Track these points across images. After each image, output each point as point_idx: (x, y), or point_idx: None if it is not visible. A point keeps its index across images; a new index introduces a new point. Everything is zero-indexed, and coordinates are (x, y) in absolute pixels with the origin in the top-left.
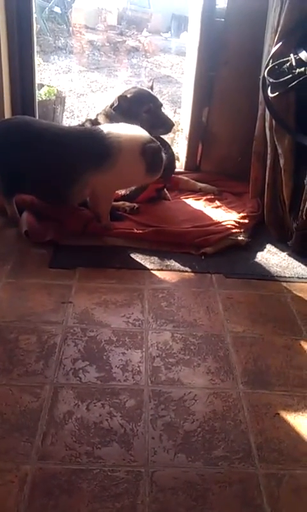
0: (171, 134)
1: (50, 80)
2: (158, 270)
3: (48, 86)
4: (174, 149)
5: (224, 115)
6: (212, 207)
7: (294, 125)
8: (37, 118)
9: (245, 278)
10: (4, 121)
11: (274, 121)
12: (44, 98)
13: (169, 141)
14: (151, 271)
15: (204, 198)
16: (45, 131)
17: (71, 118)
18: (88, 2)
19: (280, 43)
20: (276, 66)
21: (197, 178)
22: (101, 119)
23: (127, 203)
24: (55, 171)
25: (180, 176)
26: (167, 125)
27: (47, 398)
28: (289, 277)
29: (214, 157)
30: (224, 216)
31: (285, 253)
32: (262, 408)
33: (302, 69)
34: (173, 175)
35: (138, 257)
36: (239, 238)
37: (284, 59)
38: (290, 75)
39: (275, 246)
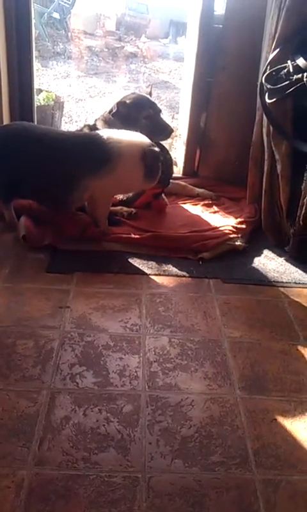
0: (169, 140)
1: (48, 86)
2: (155, 275)
3: (46, 91)
4: (172, 154)
5: (221, 120)
6: (210, 212)
7: (291, 131)
8: (36, 123)
9: (242, 283)
10: (3, 127)
11: (271, 127)
12: (43, 104)
13: (167, 147)
14: (149, 276)
15: (202, 203)
16: (44, 136)
17: (70, 123)
18: (87, 8)
19: (277, 50)
20: (274, 73)
21: (195, 184)
22: (99, 125)
23: (125, 208)
24: (54, 176)
25: (177, 181)
26: (167, 131)
27: (44, 403)
28: (286, 282)
29: (212, 163)
30: (222, 221)
31: (282, 259)
32: (259, 413)
33: (300, 75)
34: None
35: (136, 262)
36: (237, 243)
37: (282, 66)
38: (287, 82)
39: (273, 251)
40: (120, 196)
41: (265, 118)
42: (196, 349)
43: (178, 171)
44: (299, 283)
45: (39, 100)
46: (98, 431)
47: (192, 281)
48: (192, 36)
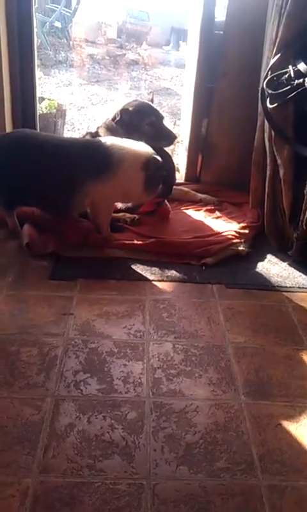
0: (171, 146)
1: (50, 94)
2: (159, 281)
3: (49, 99)
4: (174, 160)
5: (223, 126)
6: (212, 218)
7: (293, 136)
8: (38, 131)
9: (246, 288)
10: (5, 135)
11: (273, 132)
12: (45, 112)
13: (169, 153)
14: (152, 282)
15: (205, 208)
16: (46, 143)
17: (72, 130)
18: (88, 17)
19: (278, 55)
20: (275, 78)
21: (197, 189)
22: (102, 132)
23: (128, 214)
24: (56, 183)
25: (180, 187)
26: (170, 138)
27: (48, 410)
28: (290, 287)
29: (214, 168)
30: (225, 226)
31: (286, 263)
32: (264, 418)
33: (301, 80)
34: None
35: (139, 268)
36: (240, 248)
37: (283, 71)
38: (289, 87)
39: (276, 256)
40: (119, 205)
41: (266, 123)
42: (200, 355)
43: (180, 176)
44: (303, 288)
45: (41, 108)
46: (103, 438)
47: (195, 287)
48: (193, 42)
